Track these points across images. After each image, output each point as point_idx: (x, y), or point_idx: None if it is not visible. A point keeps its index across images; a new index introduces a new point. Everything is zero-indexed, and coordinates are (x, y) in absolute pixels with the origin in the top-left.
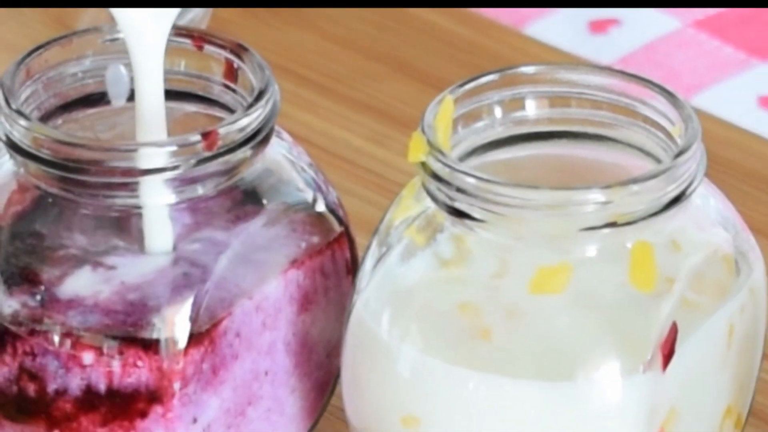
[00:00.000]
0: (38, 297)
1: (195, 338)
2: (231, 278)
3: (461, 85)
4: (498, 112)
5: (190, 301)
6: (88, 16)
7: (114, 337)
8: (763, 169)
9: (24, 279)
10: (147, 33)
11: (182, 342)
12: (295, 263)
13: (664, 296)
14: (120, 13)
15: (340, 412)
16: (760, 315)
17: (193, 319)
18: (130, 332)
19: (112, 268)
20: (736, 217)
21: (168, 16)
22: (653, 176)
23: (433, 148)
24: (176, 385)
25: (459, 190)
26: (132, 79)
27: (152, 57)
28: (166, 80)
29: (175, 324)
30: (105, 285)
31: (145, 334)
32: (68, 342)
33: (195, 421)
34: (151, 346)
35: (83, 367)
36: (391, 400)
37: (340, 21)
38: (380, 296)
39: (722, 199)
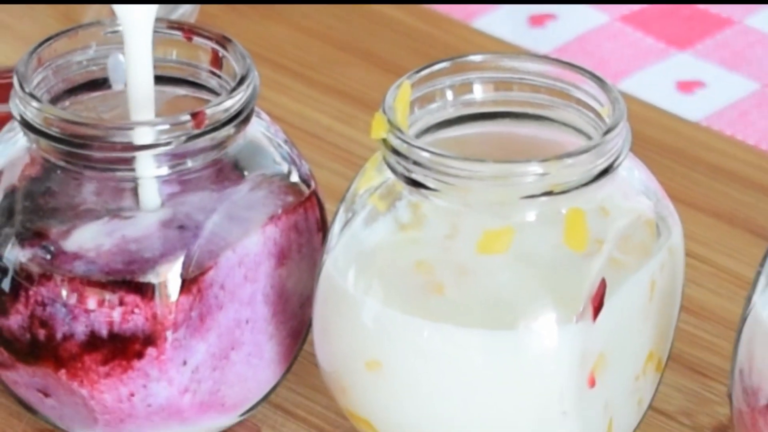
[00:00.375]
0: (47, 250)
1: (186, 288)
2: (218, 233)
3: (417, 72)
4: (449, 95)
5: (183, 254)
6: (92, 11)
7: (114, 286)
8: (680, 144)
9: (35, 235)
10: (138, 22)
11: (174, 291)
12: (272, 219)
13: (595, 256)
14: (117, 7)
15: (312, 356)
16: (678, 272)
17: (185, 271)
18: (129, 282)
19: (113, 224)
20: (657, 186)
21: (153, 9)
22: (585, 151)
23: (393, 126)
24: (168, 331)
25: (415, 163)
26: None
27: (142, 42)
28: (160, 67)
29: (169, 274)
30: (107, 238)
31: (142, 284)
32: (74, 290)
33: (185, 363)
34: (147, 295)
35: (87, 313)
36: (357, 347)
37: (312, 15)
38: (347, 255)
39: (645, 171)
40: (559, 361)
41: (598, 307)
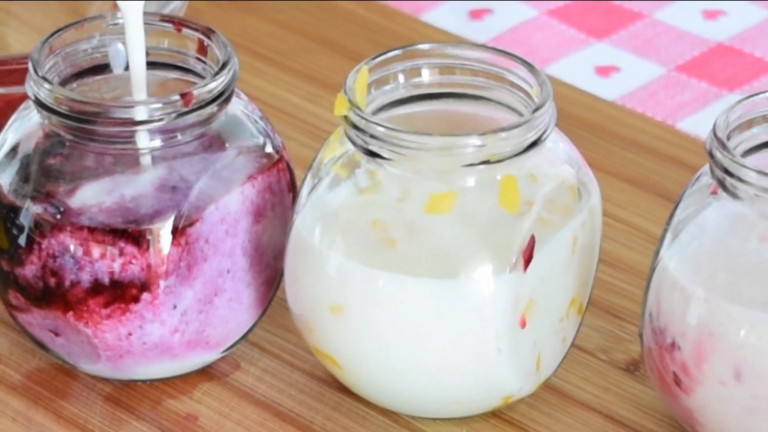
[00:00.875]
0: (56, 207)
1: (176, 241)
2: (204, 191)
3: (374, 58)
4: (401, 78)
5: (175, 212)
6: (95, 6)
7: (114, 239)
8: (598, 120)
9: (46, 196)
10: (134, 13)
11: (166, 244)
12: (249, 179)
13: (525, 215)
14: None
15: (283, 301)
16: (596, 229)
17: (176, 225)
18: (127, 235)
19: (113, 185)
20: (579, 156)
21: (140, 4)
22: (517, 126)
23: (353, 105)
24: (161, 279)
25: (372, 136)
26: (127, 53)
27: (138, 30)
28: (153, 54)
29: (162, 230)
30: (107, 196)
31: (139, 237)
32: (79, 242)
33: (175, 307)
34: (142, 247)
35: (91, 262)
36: (322, 293)
37: (284, 10)
38: (313, 215)
39: (568, 143)
40: (495, 306)
41: (528, 260)
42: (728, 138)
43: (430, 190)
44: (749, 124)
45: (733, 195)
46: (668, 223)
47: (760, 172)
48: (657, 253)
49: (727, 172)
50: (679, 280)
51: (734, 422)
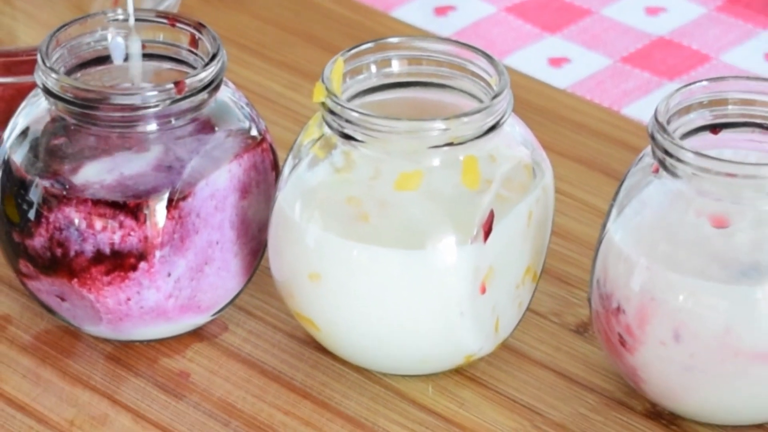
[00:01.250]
0: (62, 184)
1: (170, 215)
2: (196, 169)
3: (349, 51)
4: (373, 68)
5: (169, 188)
6: (98, 3)
7: (114, 213)
8: (551, 106)
9: (53, 174)
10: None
11: (162, 218)
12: (236, 158)
13: (485, 192)
14: None
15: (267, 270)
16: (549, 205)
17: (171, 200)
18: (126, 210)
19: (113, 164)
20: (533, 138)
21: None
22: (478, 111)
23: (330, 92)
24: (157, 249)
25: (347, 120)
26: (127, 46)
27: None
28: (150, 47)
29: (157, 205)
30: (108, 174)
31: (137, 212)
32: (82, 216)
33: (169, 275)
34: (140, 220)
35: (94, 234)
36: (301, 262)
37: (268, 6)
38: (294, 192)
39: (524, 127)
40: (458, 274)
41: (487, 232)
42: (668, 122)
43: (399, 170)
44: (687, 109)
45: (673, 174)
46: (614, 199)
47: (697, 153)
48: (604, 226)
49: (667, 153)
50: (623, 251)
51: (673, 379)
